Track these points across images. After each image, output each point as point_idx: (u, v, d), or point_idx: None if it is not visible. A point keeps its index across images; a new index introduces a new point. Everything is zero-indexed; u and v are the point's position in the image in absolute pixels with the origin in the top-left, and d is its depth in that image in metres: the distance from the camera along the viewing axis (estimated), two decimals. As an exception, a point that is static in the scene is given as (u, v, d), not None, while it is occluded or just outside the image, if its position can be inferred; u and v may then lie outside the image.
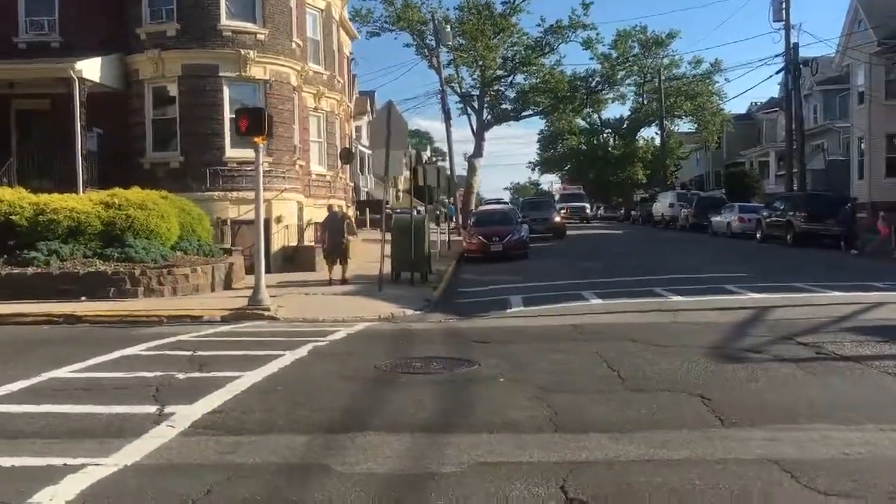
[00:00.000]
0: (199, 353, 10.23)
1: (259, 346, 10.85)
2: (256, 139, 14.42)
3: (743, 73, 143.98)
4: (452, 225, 37.65)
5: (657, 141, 73.21)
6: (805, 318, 12.18)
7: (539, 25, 54.30)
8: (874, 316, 12.54)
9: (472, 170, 50.94)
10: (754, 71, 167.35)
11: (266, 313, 14.44)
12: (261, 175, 15.01)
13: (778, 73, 39.94)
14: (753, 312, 13.04)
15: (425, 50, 50.00)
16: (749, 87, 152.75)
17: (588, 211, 61.09)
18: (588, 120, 73.32)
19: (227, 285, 18.36)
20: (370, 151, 39.76)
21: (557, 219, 37.84)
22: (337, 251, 19.40)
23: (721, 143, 72.58)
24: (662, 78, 61.55)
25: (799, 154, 36.49)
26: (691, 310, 13.58)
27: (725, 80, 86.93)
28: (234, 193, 22.17)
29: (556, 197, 65.34)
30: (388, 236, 18.81)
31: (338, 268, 19.52)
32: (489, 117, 52.57)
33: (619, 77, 59.87)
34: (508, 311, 14.70)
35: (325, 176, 28.00)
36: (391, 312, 14.72)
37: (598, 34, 56.50)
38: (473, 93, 52.34)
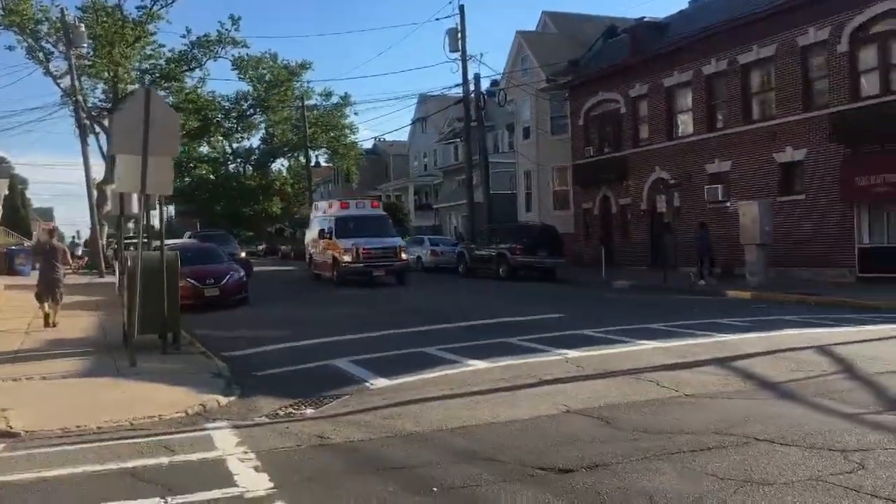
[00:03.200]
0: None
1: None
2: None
3: (371, 107, 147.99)
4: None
5: (284, 173, 70.58)
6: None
7: (184, 37, 48.13)
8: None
9: (103, 198, 42.82)
10: (383, 106, 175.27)
11: (-12, 429, 8.25)
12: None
13: (457, 103, 39.46)
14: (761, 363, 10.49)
15: (40, 54, 41.25)
16: (383, 118, 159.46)
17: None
18: (215, 148, 67.89)
19: None
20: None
21: (244, 253, 33.57)
22: (52, 287, 16.60)
23: (350, 177, 72.37)
24: (305, 103, 58.80)
25: (484, 185, 36.19)
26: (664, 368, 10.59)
27: (354, 113, 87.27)
28: None
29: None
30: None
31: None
32: (123, 138, 44.88)
33: (272, 101, 55.66)
34: (371, 385, 10.27)
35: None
36: (195, 404, 9.43)
37: (248, 53, 51.73)
38: (103, 109, 44.39)
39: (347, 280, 26.60)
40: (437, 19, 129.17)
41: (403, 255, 27.07)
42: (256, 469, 6.41)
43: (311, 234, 31.02)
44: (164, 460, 6.83)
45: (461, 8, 35.98)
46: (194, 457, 6.93)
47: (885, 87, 22.33)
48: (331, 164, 71.60)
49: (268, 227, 70.36)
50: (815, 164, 24.45)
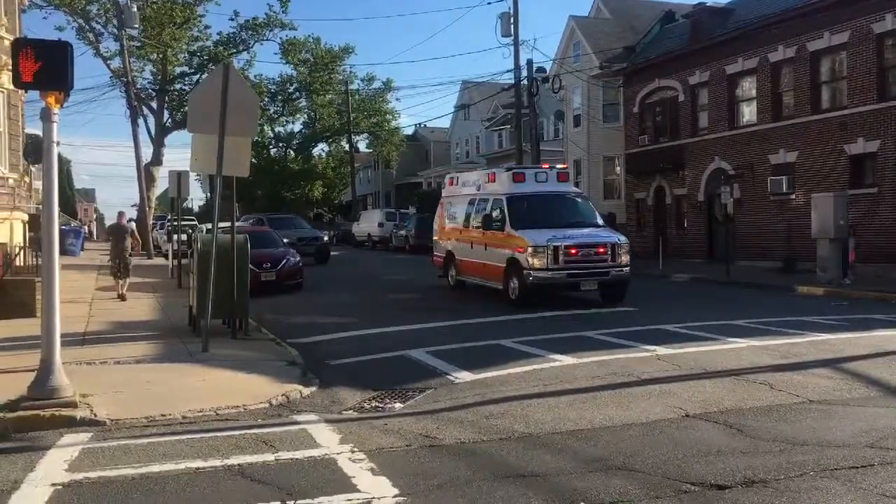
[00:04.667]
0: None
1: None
2: (50, 98, 7.90)
3: (414, 93, 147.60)
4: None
5: (325, 157, 70.28)
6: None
7: (232, 20, 47.91)
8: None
9: (150, 180, 42.94)
10: (425, 94, 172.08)
11: (77, 414, 7.90)
12: None
13: (508, 89, 38.78)
14: None
15: (91, 34, 41.29)
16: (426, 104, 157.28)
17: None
18: (259, 132, 67.81)
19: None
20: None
21: (326, 238, 33.53)
22: (123, 261, 18.87)
23: (389, 163, 71.94)
24: (350, 88, 58.33)
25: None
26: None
27: (397, 99, 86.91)
28: None
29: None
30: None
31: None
32: (170, 121, 44.93)
33: (317, 84, 55.30)
34: (455, 379, 9.76)
35: (6, 180, 19.95)
36: (278, 394, 9.03)
37: (296, 36, 51.33)
38: (151, 90, 44.44)
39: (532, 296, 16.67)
40: (488, 3, 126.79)
41: (625, 258, 16.95)
42: (373, 472, 5.95)
43: (446, 219, 21.31)
44: (270, 458, 6.40)
45: (515, -9, 35.19)
46: (300, 455, 6.49)
47: (970, 76, 21.28)
48: (371, 150, 71.23)
49: (308, 211, 70.21)
50: (888, 157, 23.47)
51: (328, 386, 9.65)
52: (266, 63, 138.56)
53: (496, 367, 10.27)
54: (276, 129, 67.27)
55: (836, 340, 11.76)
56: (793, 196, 26.28)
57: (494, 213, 17.98)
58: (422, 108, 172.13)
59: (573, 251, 16.45)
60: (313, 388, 9.49)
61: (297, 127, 69.47)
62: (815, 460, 5.88)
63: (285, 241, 28.42)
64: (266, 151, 69.08)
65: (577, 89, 38.86)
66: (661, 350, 11.17)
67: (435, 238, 22.16)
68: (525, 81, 35.53)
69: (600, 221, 18.34)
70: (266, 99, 51.00)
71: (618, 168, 37.24)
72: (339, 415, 8.25)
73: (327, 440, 6.97)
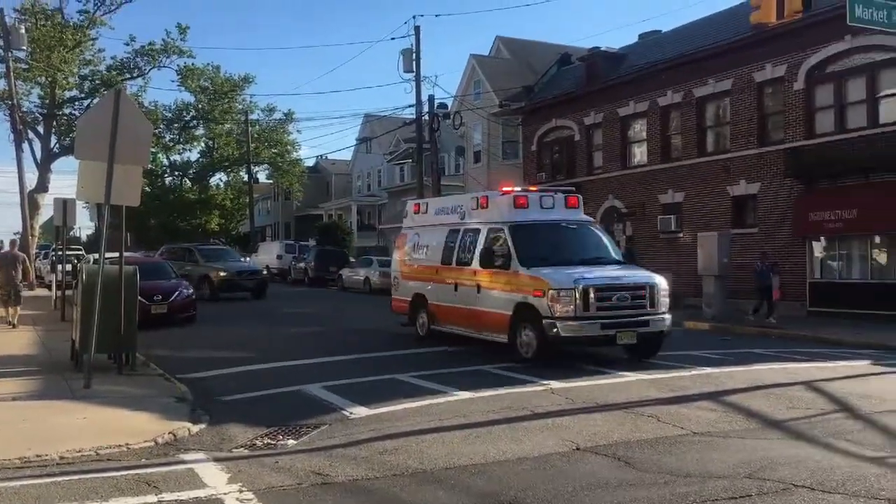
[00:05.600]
0: None
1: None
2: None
3: (317, 125, 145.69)
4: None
5: (222, 187, 68.86)
6: None
7: (128, 44, 46.56)
8: None
9: (35, 207, 40.99)
10: (327, 125, 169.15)
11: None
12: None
13: (410, 123, 39.05)
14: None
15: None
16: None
17: None
18: (153, 160, 65.86)
19: None
20: None
21: (265, 272, 31.57)
22: (13, 290, 18.90)
23: (289, 194, 71.17)
24: (249, 118, 57.52)
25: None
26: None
27: (298, 130, 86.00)
28: None
29: None
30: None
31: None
32: (57, 146, 43.18)
33: (216, 113, 54.23)
34: (350, 415, 9.64)
35: None
36: (164, 432, 8.70)
37: (194, 63, 50.30)
38: (38, 114, 42.64)
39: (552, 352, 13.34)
40: (392, 38, 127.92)
41: (664, 302, 13.80)
42: (262, 513, 5.80)
43: (413, 254, 17.39)
44: (153, 499, 6.15)
45: (417, 29, 35.71)
46: (185, 496, 6.25)
47: (840, 125, 22.80)
48: (271, 181, 70.27)
49: (204, 242, 68.39)
50: (768, 198, 24.80)
51: (218, 423, 9.36)
52: (162, 90, 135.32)
53: (393, 402, 10.20)
54: (172, 158, 65.62)
55: (719, 374, 12.24)
56: (680, 234, 27.38)
57: (495, 248, 14.25)
58: (323, 139, 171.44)
59: (605, 295, 13.01)
60: (202, 426, 9.19)
61: (195, 156, 67.99)
62: (696, 491, 6.08)
63: (222, 274, 27.68)
64: (160, 180, 67.13)
65: (477, 126, 39.57)
66: (556, 384, 11.34)
67: (395, 277, 18.31)
68: (426, 117, 35.94)
69: (620, 257, 15.12)
70: (161, 126, 49.79)
71: (517, 204, 37.88)
72: (228, 453, 8.01)
73: (215, 480, 6.74)
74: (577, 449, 7.64)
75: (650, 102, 29.33)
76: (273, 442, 8.56)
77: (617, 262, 14.65)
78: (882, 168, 21.44)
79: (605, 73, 32.02)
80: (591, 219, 16.68)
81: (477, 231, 15.07)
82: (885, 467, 6.83)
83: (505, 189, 15.30)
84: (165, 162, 66.06)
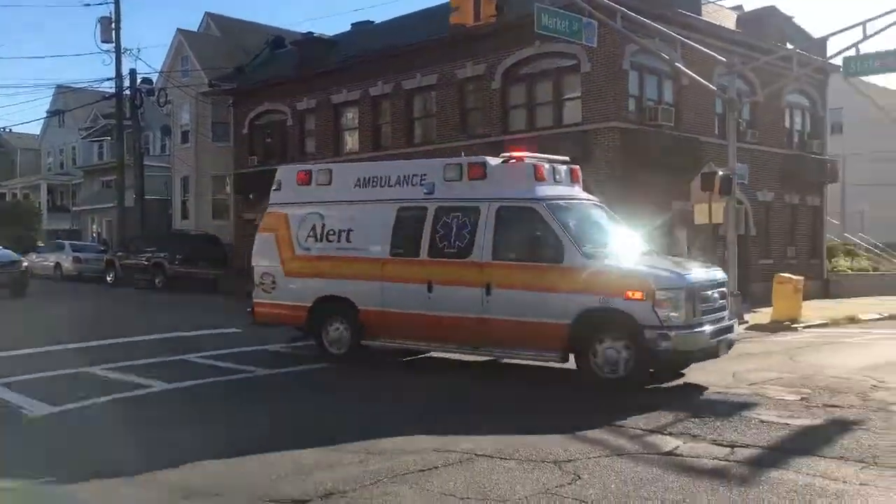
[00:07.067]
0: None
1: None
2: None
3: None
4: None
5: None
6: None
7: None
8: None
9: None
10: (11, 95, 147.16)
11: None
12: None
13: (109, 97, 36.18)
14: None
15: None
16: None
17: None
18: None
19: None
20: None
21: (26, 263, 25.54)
22: None
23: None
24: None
25: (138, 189, 33.57)
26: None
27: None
28: None
29: None
30: None
31: None
32: None
33: None
34: (31, 412, 8.80)
35: None
36: None
37: None
38: None
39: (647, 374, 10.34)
40: (86, 4, 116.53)
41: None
42: None
43: (322, 239, 12.47)
44: None
45: (117, -6, 33.26)
46: None
47: (531, 123, 24.87)
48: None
49: None
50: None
51: None
52: None
53: (85, 399, 9.41)
54: None
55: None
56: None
57: (524, 234, 10.68)
58: (7, 110, 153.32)
59: (707, 296, 10.34)
60: None
61: None
62: (389, 468, 6.30)
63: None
64: None
65: (185, 105, 37.72)
66: (261, 371, 11.20)
67: (267, 274, 12.95)
68: (129, 92, 33.63)
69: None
70: None
71: (227, 188, 36.81)
72: None
73: None
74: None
75: (362, 92, 29.85)
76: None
77: (650, 253, 11.88)
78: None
79: (318, 59, 32.04)
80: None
81: (472, 210, 11.03)
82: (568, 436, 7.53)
83: (516, 155, 11.55)
84: None
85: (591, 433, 7.44)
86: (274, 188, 13.27)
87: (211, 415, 8.82)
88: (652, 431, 7.57)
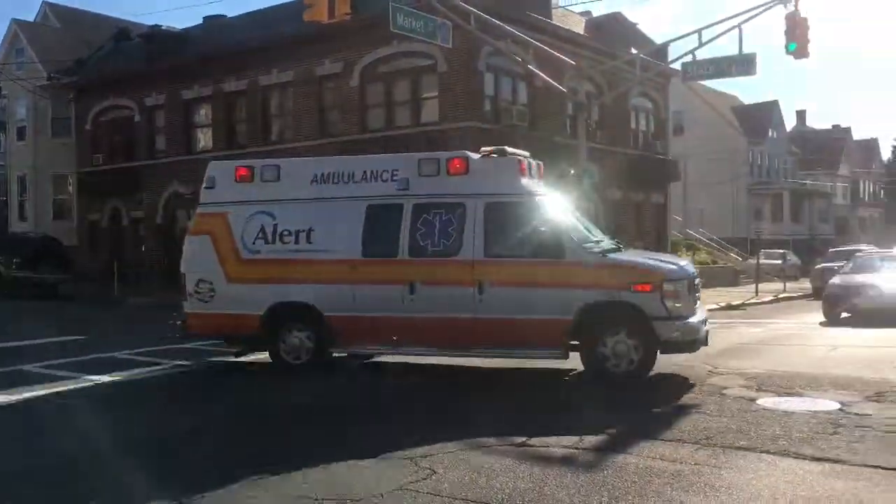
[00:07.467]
0: None
1: None
2: None
3: None
4: None
5: None
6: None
7: None
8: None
9: None
10: None
11: None
12: None
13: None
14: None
15: None
16: None
17: None
18: None
19: None
20: None
21: None
22: None
23: None
24: None
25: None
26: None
27: None
28: None
29: None
30: None
31: None
32: None
33: None
34: None
35: None
36: None
37: None
38: None
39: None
40: None
41: None
42: None
43: (275, 241, 11.25)
44: None
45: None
46: None
47: (390, 121, 24.94)
48: None
49: None
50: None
51: None
52: None
53: None
54: None
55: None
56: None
57: (520, 230, 10.35)
58: None
59: (697, 287, 10.60)
60: None
61: None
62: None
63: None
64: None
65: (21, 99, 35.39)
66: (105, 378, 10.73)
67: (204, 282, 11.42)
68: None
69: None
70: None
71: (70, 187, 34.82)
72: None
73: None
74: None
75: (215, 88, 28.99)
76: None
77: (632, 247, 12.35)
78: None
79: (167, 54, 30.85)
80: None
81: (456, 206, 10.44)
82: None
83: (485, 148, 10.93)
84: None
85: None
86: (206, 186, 11.69)
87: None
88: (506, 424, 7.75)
